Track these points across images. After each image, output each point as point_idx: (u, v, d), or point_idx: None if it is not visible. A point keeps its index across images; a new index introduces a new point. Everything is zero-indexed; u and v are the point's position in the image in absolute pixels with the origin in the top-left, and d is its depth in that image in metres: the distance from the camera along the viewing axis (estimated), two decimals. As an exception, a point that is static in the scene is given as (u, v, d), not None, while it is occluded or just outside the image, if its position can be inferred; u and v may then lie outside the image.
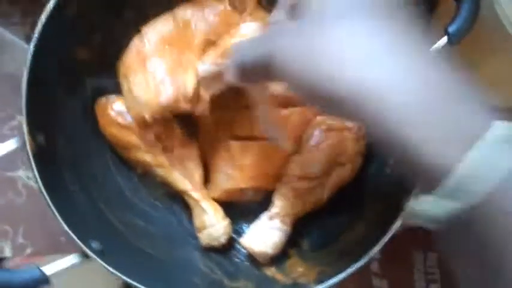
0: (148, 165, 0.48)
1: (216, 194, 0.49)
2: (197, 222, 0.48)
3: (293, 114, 0.48)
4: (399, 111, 0.26)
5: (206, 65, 0.44)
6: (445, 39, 0.42)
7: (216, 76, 0.43)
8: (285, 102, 0.47)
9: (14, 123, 0.40)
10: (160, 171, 0.48)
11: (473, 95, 0.27)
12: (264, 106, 0.44)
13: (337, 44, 0.28)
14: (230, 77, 0.35)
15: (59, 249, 0.51)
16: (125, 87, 0.47)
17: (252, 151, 0.48)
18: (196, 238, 0.49)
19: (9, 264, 0.43)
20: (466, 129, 0.25)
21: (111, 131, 0.48)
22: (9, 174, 0.53)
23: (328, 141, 0.47)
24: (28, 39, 0.41)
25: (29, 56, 0.40)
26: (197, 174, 0.49)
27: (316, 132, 0.48)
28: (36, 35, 0.40)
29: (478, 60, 0.50)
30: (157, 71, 0.45)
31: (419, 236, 0.60)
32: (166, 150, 0.47)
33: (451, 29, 0.42)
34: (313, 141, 0.47)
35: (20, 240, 0.52)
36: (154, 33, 0.47)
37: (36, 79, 0.41)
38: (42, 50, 0.41)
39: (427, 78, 0.26)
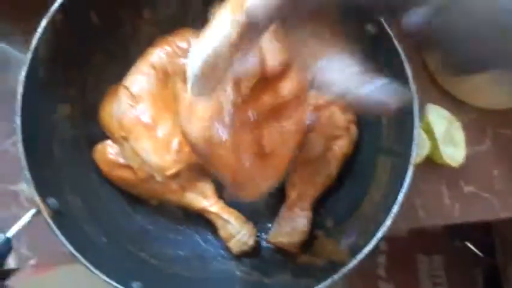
0: (161, 194, 0.49)
1: None
2: (223, 233, 0.49)
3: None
4: None
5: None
6: None
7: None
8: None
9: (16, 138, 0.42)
10: (173, 197, 0.49)
11: None
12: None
13: None
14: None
15: (63, 260, 0.52)
16: (125, 147, 0.48)
17: None
18: (224, 249, 0.50)
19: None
20: None
21: (115, 173, 0.49)
22: (12, 188, 0.54)
23: (319, 120, 0.49)
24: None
25: (18, 130, 0.41)
26: (209, 188, 0.50)
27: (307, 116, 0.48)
28: (18, 109, 0.41)
29: None
30: (163, 135, 0.47)
31: (424, 240, 0.59)
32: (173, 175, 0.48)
33: None
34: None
35: (24, 251, 0.53)
36: (145, 94, 0.47)
37: (31, 148, 0.42)
38: (27, 118, 0.42)
39: None
